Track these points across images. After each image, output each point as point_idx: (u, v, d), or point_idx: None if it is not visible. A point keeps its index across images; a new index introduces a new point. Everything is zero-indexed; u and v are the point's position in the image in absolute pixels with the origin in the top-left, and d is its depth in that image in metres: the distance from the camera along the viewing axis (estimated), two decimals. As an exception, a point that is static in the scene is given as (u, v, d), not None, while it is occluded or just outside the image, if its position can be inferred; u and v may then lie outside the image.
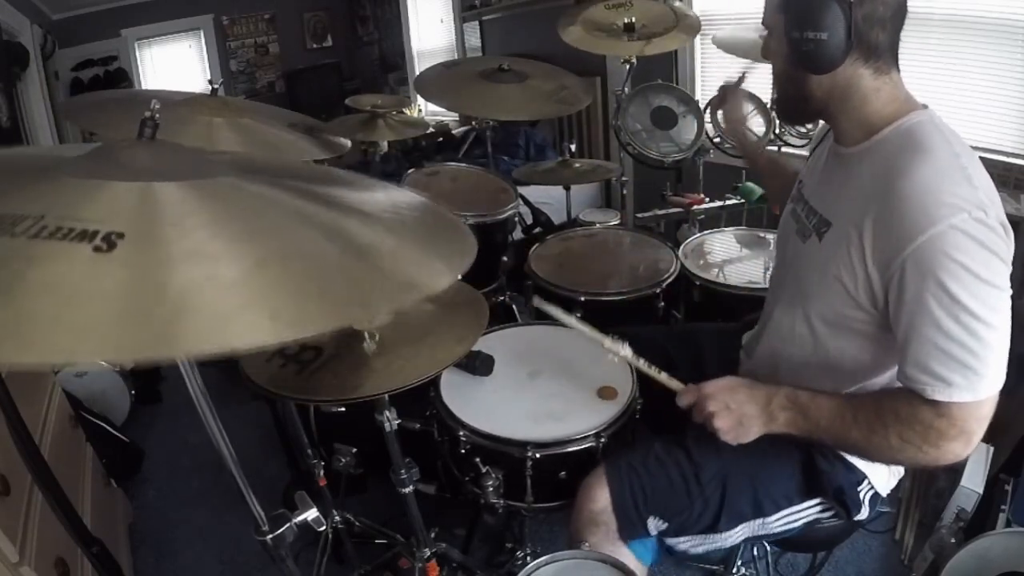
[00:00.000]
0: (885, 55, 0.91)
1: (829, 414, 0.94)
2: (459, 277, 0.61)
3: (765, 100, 2.34)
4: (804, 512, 1.08)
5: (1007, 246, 0.83)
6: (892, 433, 0.89)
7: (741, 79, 1.48)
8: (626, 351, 1.09)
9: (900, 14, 0.90)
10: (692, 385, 1.04)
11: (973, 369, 0.82)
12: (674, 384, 1.07)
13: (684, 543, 1.09)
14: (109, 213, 0.52)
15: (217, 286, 0.47)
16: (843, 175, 0.98)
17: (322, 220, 0.61)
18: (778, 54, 0.96)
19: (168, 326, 0.44)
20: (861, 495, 1.06)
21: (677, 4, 2.12)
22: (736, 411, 0.98)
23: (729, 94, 1.49)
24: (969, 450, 0.87)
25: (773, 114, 2.29)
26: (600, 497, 1.06)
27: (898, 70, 0.93)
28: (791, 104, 1.01)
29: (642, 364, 1.09)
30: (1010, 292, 0.83)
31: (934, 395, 0.84)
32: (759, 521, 1.07)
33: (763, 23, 0.99)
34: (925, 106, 0.94)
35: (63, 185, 0.57)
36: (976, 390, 0.82)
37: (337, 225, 0.61)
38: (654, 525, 1.06)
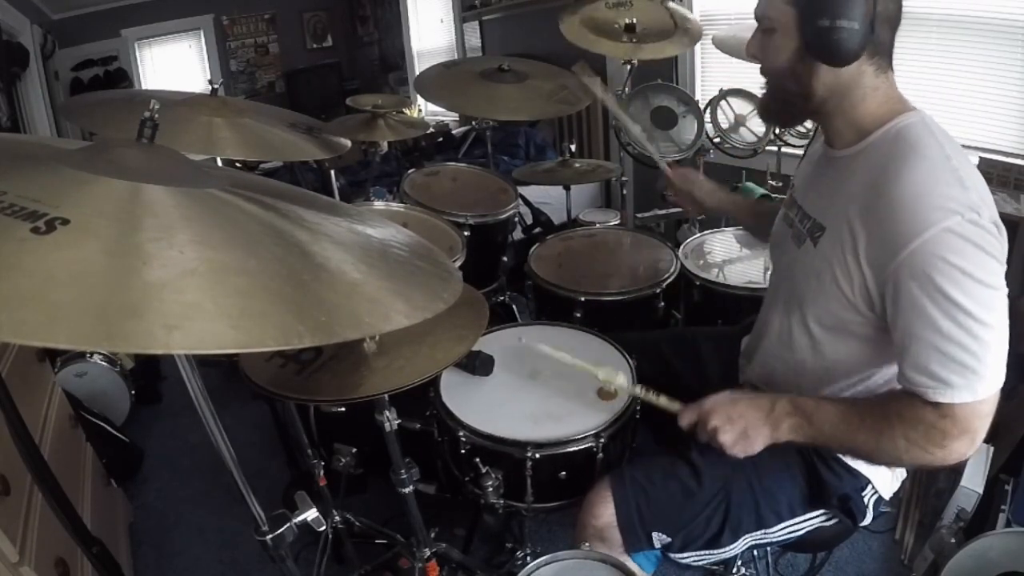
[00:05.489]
0: (886, 54, 0.91)
1: (834, 419, 0.93)
2: (416, 322, 0.59)
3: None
4: (807, 522, 1.08)
5: (1001, 245, 0.83)
6: (898, 435, 0.88)
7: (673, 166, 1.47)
8: (621, 380, 1.11)
9: (900, 15, 0.90)
10: (691, 404, 1.01)
11: (972, 369, 0.82)
12: (674, 406, 1.04)
13: (687, 558, 1.10)
14: (70, 201, 0.53)
15: (142, 284, 0.48)
16: (835, 179, 0.97)
17: (287, 240, 0.61)
18: (783, 49, 0.93)
19: (67, 311, 0.44)
20: (866, 500, 1.06)
21: (675, 6, 2.11)
22: (739, 422, 0.95)
23: (672, 176, 1.44)
24: (974, 448, 0.87)
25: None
26: (603, 513, 1.05)
27: (892, 71, 0.93)
28: (788, 102, 0.98)
29: (639, 391, 1.08)
30: (1006, 291, 0.83)
31: (935, 397, 0.84)
32: (761, 532, 1.08)
33: (762, 19, 0.96)
34: (915, 108, 0.93)
35: (50, 171, 0.58)
36: (976, 390, 0.82)
37: (302, 249, 0.61)
38: (658, 539, 1.06)
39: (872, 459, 0.98)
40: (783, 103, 0.99)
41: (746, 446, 0.96)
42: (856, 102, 0.93)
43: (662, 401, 1.06)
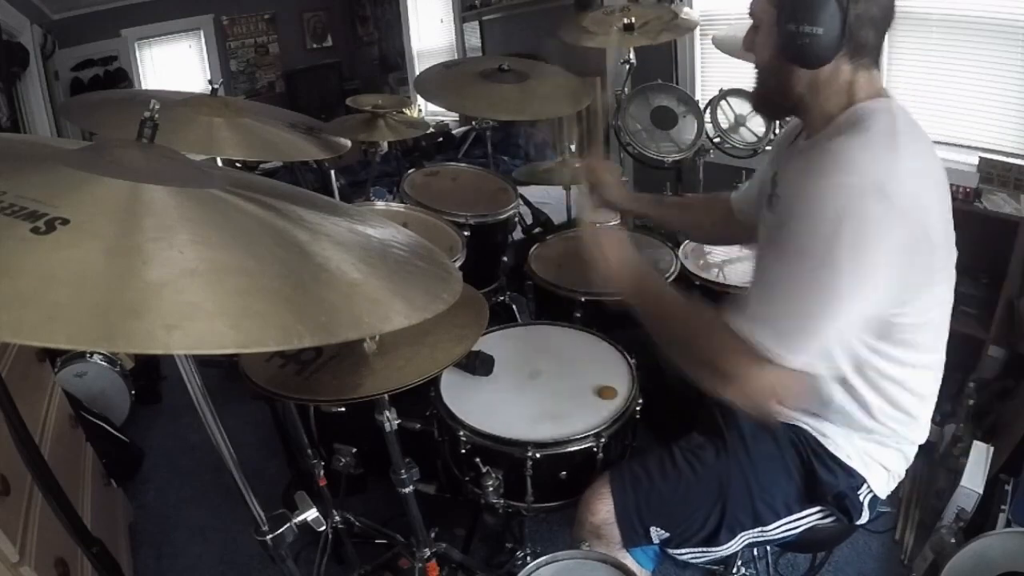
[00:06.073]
0: (870, 54, 0.92)
1: (670, 310, 1.01)
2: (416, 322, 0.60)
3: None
4: (804, 520, 1.08)
5: (902, 234, 0.82)
6: (697, 344, 0.95)
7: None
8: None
9: (889, 16, 0.91)
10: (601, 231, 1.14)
11: (771, 321, 0.85)
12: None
13: (685, 555, 1.10)
14: (70, 201, 0.53)
15: (142, 285, 0.48)
16: (802, 162, 0.97)
17: (287, 240, 0.61)
18: (765, 46, 0.95)
19: (67, 311, 0.44)
20: (861, 498, 1.06)
21: (681, 10, 2.14)
22: (609, 262, 1.08)
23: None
24: (739, 399, 0.89)
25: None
26: (599, 509, 1.06)
27: (879, 68, 0.94)
28: (770, 97, 1.01)
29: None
30: (863, 288, 0.84)
31: (731, 320, 0.88)
32: (758, 530, 1.08)
33: (751, 15, 0.98)
34: (889, 98, 0.94)
35: (50, 171, 0.58)
36: (763, 334, 0.85)
37: (302, 249, 0.61)
38: (656, 535, 1.06)
39: (678, 355, 0.99)
40: (768, 98, 1.03)
41: (602, 280, 1.08)
42: (831, 96, 0.94)
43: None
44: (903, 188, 0.82)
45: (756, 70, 1.01)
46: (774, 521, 1.07)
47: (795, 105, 0.98)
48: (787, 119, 2.09)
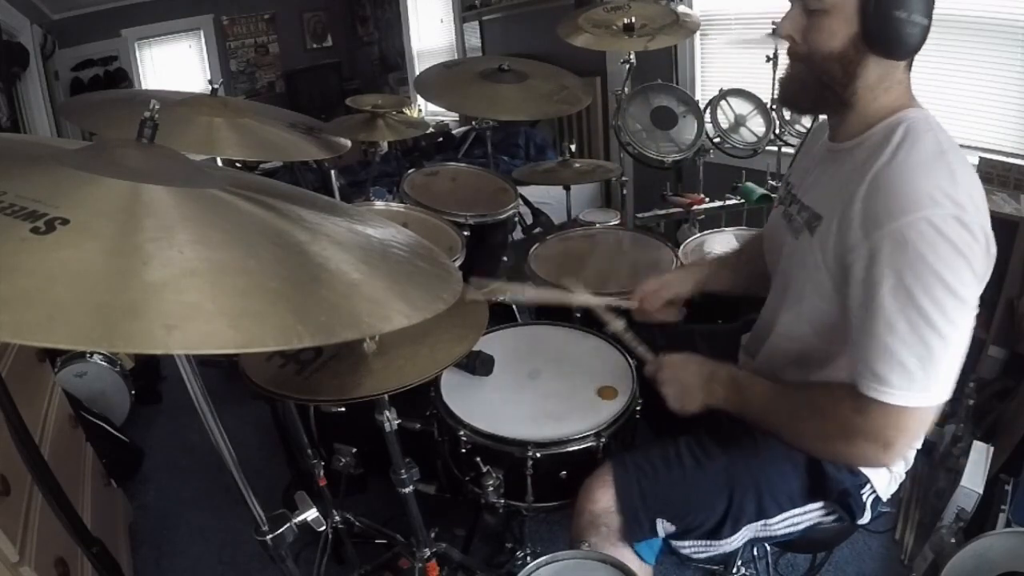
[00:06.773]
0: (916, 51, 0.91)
1: (762, 398, 0.98)
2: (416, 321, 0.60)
3: (764, 99, 2.34)
4: (807, 515, 1.08)
5: (983, 254, 0.82)
6: (812, 425, 0.93)
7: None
8: (618, 325, 1.24)
9: None
10: (656, 358, 1.13)
11: (912, 376, 0.81)
12: (647, 357, 1.17)
13: (688, 547, 1.09)
14: (70, 201, 0.53)
15: (142, 284, 0.48)
16: (835, 170, 0.97)
17: (287, 240, 0.61)
18: (836, 33, 0.89)
19: (67, 311, 0.44)
20: (864, 498, 1.06)
21: (680, 9, 2.14)
22: (681, 382, 1.06)
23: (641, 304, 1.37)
24: (886, 458, 0.88)
25: (773, 114, 2.29)
26: (600, 498, 1.05)
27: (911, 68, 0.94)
28: (827, 87, 0.93)
29: (628, 337, 1.23)
30: (975, 308, 0.82)
31: (866, 391, 0.84)
32: (761, 523, 1.07)
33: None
34: (921, 107, 0.94)
35: (50, 171, 0.58)
36: (908, 398, 0.82)
37: (302, 249, 0.61)
38: (663, 528, 1.05)
39: (789, 442, 0.98)
40: (818, 88, 0.94)
41: (683, 403, 1.05)
42: (879, 94, 0.92)
43: (639, 350, 1.20)
44: (972, 208, 0.81)
45: (803, 59, 0.95)
46: (778, 514, 1.07)
47: (847, 100, 0.93)
48: (801, 126, 2.13)
